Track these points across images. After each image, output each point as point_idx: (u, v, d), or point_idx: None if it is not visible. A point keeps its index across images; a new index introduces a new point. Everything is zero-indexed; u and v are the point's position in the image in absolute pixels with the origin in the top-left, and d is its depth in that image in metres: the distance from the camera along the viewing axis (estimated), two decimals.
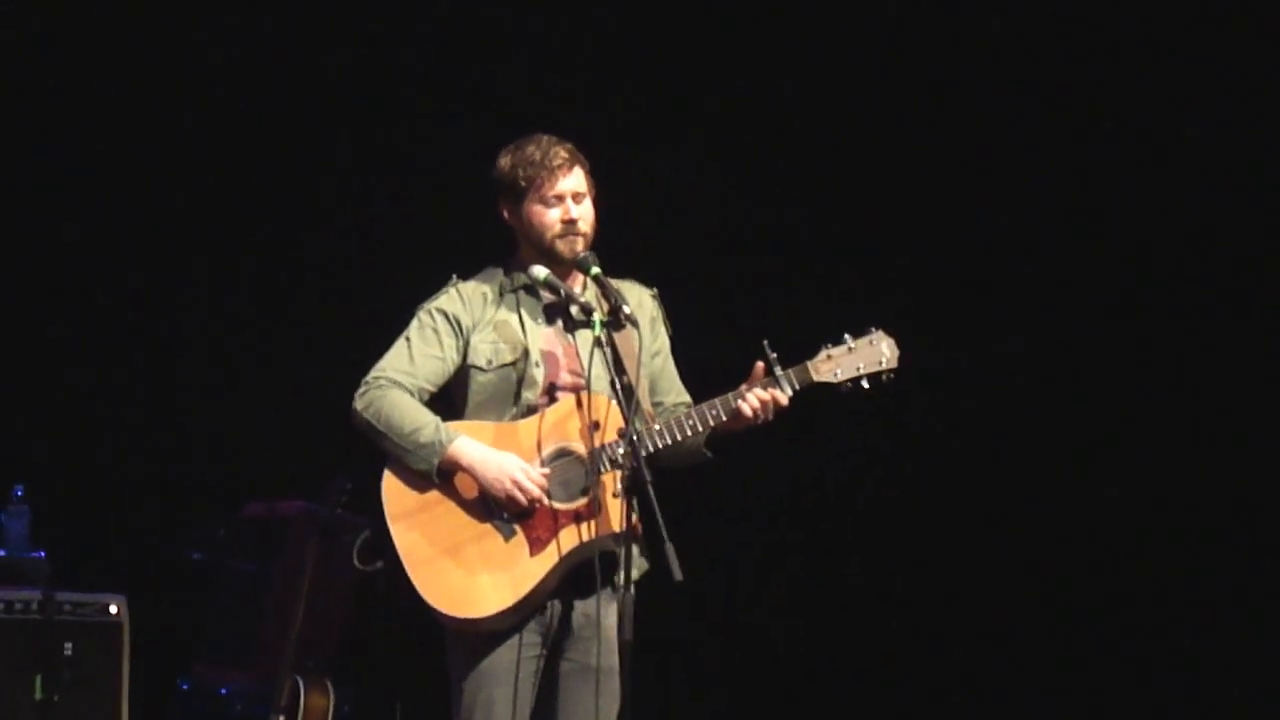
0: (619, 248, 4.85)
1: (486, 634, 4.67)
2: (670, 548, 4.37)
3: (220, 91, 7.02)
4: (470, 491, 4.67)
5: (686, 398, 4.92)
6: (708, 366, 4.91)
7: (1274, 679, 6.85)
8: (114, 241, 7.08)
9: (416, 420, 4.67)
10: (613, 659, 4.64)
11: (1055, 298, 7.05)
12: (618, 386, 4.62)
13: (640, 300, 4.89)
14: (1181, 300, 6.95)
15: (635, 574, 4.74)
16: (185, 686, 6.67)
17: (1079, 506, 7.03)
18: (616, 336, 4.70)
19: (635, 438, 4.53)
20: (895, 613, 7.14)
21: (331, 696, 6.39)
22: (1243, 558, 6.90)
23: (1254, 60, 6.83)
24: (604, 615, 4.69)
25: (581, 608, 4.72)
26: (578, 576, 4.66)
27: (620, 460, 4.60)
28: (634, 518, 4.53)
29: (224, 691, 6.58)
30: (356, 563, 5.54)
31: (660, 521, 4.42)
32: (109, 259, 7.09)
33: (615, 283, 4.79)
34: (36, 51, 6.99)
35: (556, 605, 4.71)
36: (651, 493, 4.45)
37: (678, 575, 4.37)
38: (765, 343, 4.70)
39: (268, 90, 7.02)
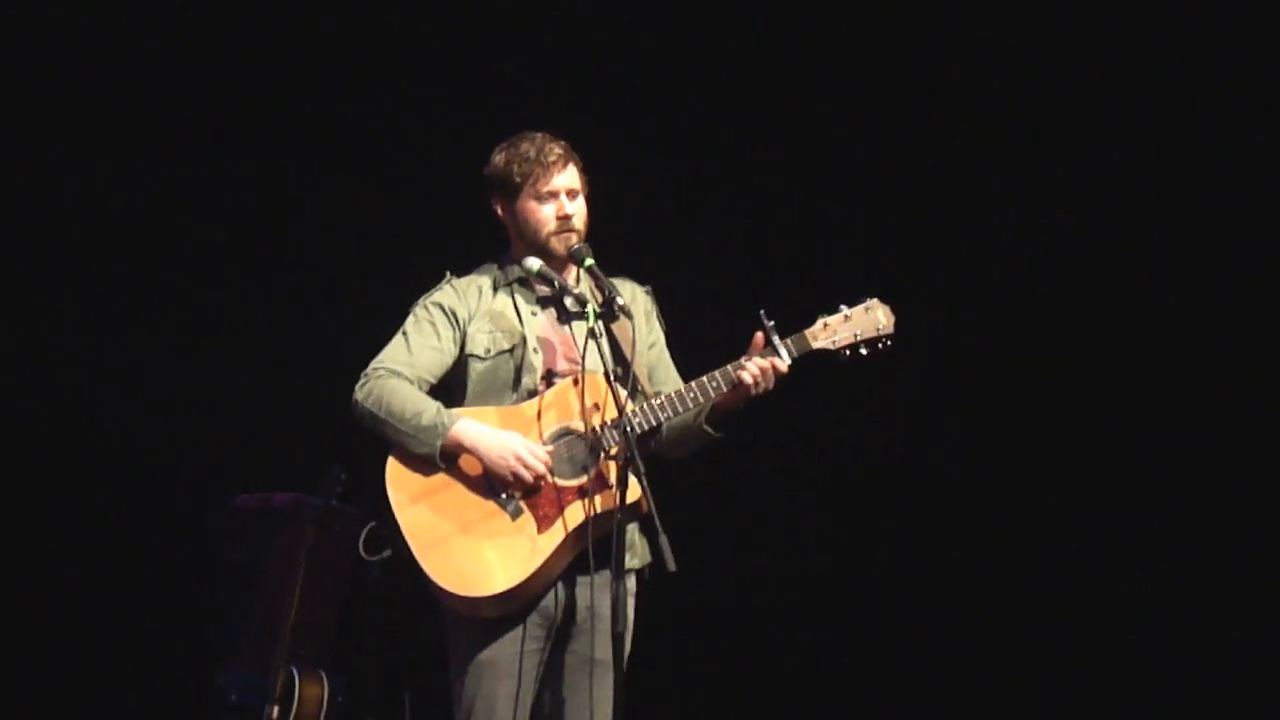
0: (611, 242, 4.88)
1: (487, 625, 4.70)
2: (664, 538, 4.41)
3: (215, 83, 7.02)
4: (474, 472, 4.71)
5: (683, 387, 4.96)
6: (705, 358, 4.95)
7: (1273, 679, 6.88)
8: (107, 234, 7.08)
9: (418, 405, 4.71)
10: (607, 650, 4.67)
11: (1051, 277, 7.05)
12: (614, 376, 4.65)
13: (634, 296, 4.95)
14: (1181, 292, 6.97)
15: (637, 563, 4.79)
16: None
17: (1081, 500, 7.04)
18: (611, 327, 4.75)
19: (629, 427, 4.56)
20: (894, 604, 7.16)
21: (325, 686, 6.41)
22: (1242, 557, 6.92)
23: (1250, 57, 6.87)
24: (601, 606, 4.73)
25: (583, 599, 4.75)
26: (581, 565, 4.70)
27: (627, 430, 4.60)
28: (637, 496, 4.55)
29: (218, 681, 6.59)
30: (362, 553, 5.56)
31: (654, 513, 4.45)
32: (102, 250, 7.08)
33: (609, 279, 4.82)
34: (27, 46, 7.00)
35: (559, 596, 4.74)
36: (645, 483, 4.48)
37: (671, 566, 4.41)
38: (762, 312, 4.73)
39: (262, 83, 7.02)
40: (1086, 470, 7.03)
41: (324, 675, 6.44)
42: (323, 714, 6.39)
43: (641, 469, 4.50)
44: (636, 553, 4.80)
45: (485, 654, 4.71)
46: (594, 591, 4.72)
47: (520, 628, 4.71)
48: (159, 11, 6.94)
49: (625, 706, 4.51)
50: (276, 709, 6.32)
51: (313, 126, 7.04)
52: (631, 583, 4.80)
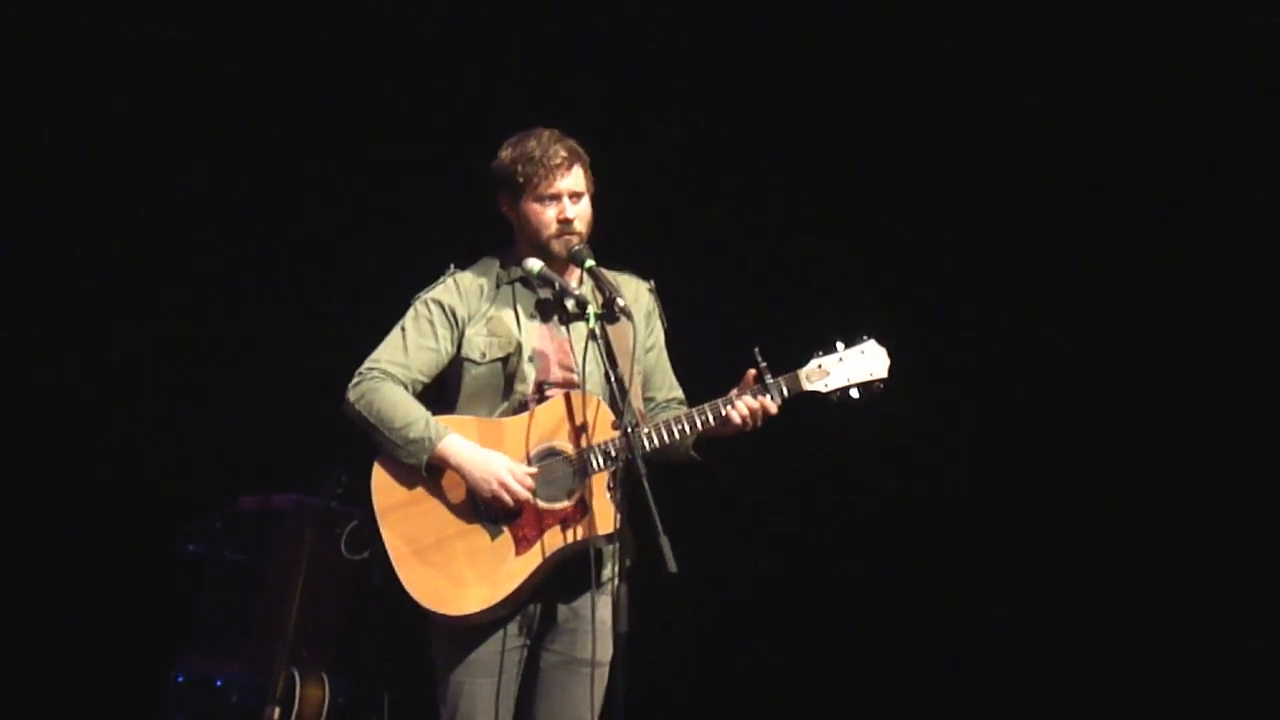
0: (617, 245, 4.88)
1: (470, 626, 4.70)
2: (665, 540, 4.39)
3: (218, 79, 7.01)
4: (458, 488, 4.69)
5: (679, 392, 4.95)
6: (703, 360, 4.94)
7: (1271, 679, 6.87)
8: (108, 233, 7.09)
9: (407, 415, 4.69)
10: (603, 651, 4.68)
11: (1052, 303, 7.04)
12: (611, 380, 4.63)
13: (636, 293, 4.91)
14: (1178, 302, 6.95)
15: (627, 562, 4.78)
16: (180, 679, 6.68)
17: (1074, 507, 7.03)
18: (611, 329, 4.71)
19: (630, 430, 4.55)
20: (891, 605, 7.15)
21: (327, 687, 6.41)
22: (1242, 559, 6.91)
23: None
24: (582, 607, 4.73)
25: (566, 600, 4.75)
26: (563, 571, 4.69)
27: (614, 455, 4.62)
28: (620, 519, 4.56)
29: (219, 683, 6.59)
30: (344, 551, 5.56)
31: (655, 513, 4.44)
32: (103, 250, 7.09)
33: (611, 275, 4.82)
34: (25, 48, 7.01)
35: (540, 597, 4.74)
36: (647, 486, 4.47)
37: (672, 567, 4.38)
38: (757, 350, 4.72)
39: (265, 79, 7.02)
40: (1085, 475, 7.02)
41: (325, 677, 6.43)
42: (324, 716, 6.39)
43: (643, 471, 4.49)
44: (627, 553, 4.78)
45: (467, 652, 4.71)
46: (579, 595, 4.72)
47: (502, 627, 4.70)
48: (160, 4, 6.95)
49: (622, 707, 4.50)
50: (278, 710, 6.31)
51: (316, 123, 7.04)
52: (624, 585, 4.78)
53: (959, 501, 7.06)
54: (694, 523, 4.88)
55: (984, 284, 7.06)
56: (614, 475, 4.61)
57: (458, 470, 4.67)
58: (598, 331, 4.66)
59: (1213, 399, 6.90)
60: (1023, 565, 7.02)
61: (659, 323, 4.98)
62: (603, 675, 4.70)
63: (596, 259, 4.77)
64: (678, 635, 6.94)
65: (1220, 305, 6.89)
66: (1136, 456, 6.97)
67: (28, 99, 6.97)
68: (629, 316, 4.71)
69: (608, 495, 4.61)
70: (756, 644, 7.20)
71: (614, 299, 4.70)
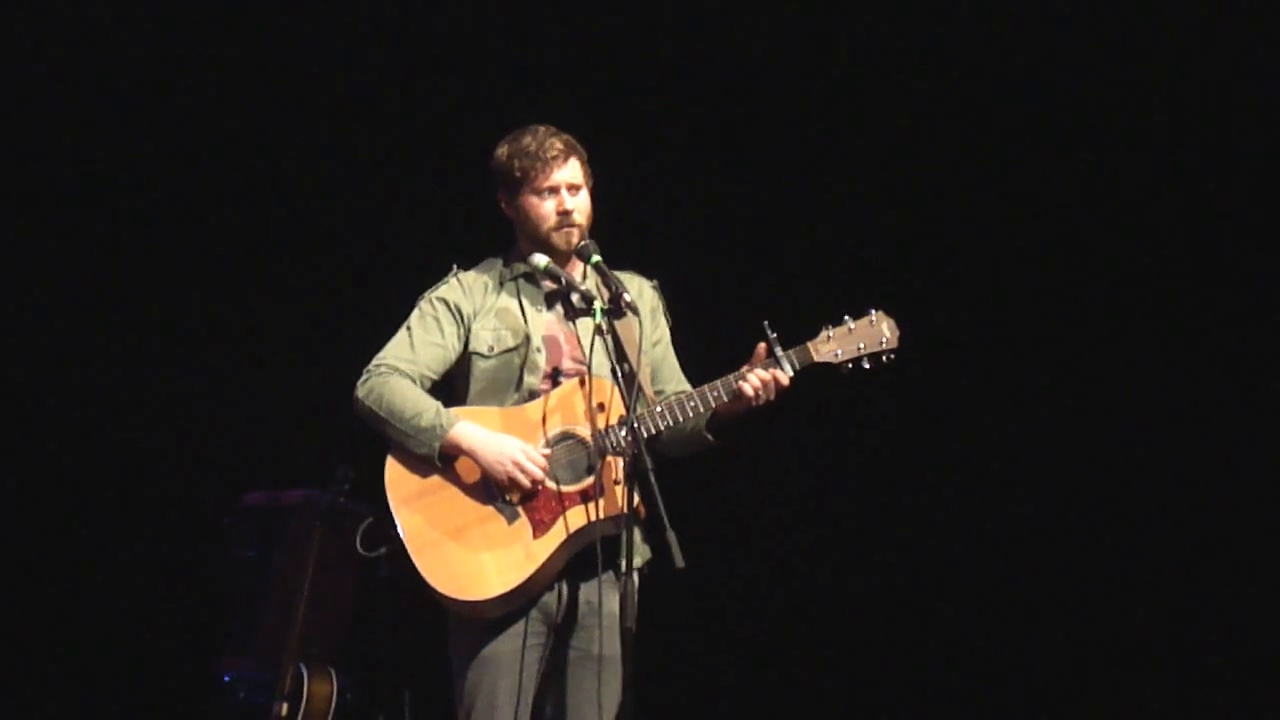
0: (618, 237, 4.88)
1: (489, 622, 4.70)
2: (672, 535, 4.39)
3: (219, 77, 7.02)
4: (472, 475, 4.70)
5: (687, 387, 4.95)
6: (708, 356, 4.94)
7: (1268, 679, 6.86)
8: (113, 230, 7.09)
9: (417, 405, 4.70)
10: (615, 646, 4.67)
11: (1053, 288, 7.04)
12: (619, 374, 4.64)
13: (640, 291, 4.93)
14: (1175, 296, 6.95)
15: (638, 561, 4.78)
16: (227, 678, 6.68)
17: (1077, 503, 7.03)
18: (617, 324, 4.73)
19: (636, 424, 4.56)
20: (897, 601, 7.15)
21: (334, 684, 6.41)
22: (1240, 557, 6.90)
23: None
24: (606, 602, 4.73)
25: (585, 595, 4.75)
26: (582, 563, 4.69)
27: (623, 446, 4.63)
28: (636, 501, 4.56)
29: (226, 678, 6.60)
30: (360, 548, 5.57)
31: (662, 509, 4.44)
32: (108, 247, 7.10)
33: (615, 274, 4.82)
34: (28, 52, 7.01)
35: (562, 593, 4.74)
36: (653, 480, 4.48)
37: (679, 562, 4.40)
38: (766, 323, 4.73)
39: (268, 78, 7.02)
40: (1085, 473, 7.02)
41: (333, 672, 6.44)
42: (331, 711, 6.40)
43: (649, 465, 4.50)
44: (638, 550, 4.79)
45: (486, 650, 4.71)
46: (596, 588, 4.72)
47: (521, 624, 4.70)
48: (157, 7, 6.95)
49: (628, 703, 4.50)
50: (285, 706, 6.32)
51: (319, 123, 7.04)
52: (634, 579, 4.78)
53: (964, 500, 7.05)
54: (699, 519, 4.88)
55: (983, 280, 7.05)
56: (625, 466, 4.61)
57: (471, 455, 4.68)
58: (604, 327, 4.66)
59: (1212, 397, 6.90)
60: (1027, 565, 7.02)
61: (664, 319, 4.99)
62: (615, 670, 4.70)
63: (602, 255, 4.77)
64: (684, 632, 6.93)
65: (1219, 302, 6.89)
66: (1135, 450, 6.98)
67: (27, 97, 6.97)
68: (635, 312, 4.72)
69: (620, 482, 4.61)
70: (760, 643, 7.19)
71: (620, 294, 4.71)
